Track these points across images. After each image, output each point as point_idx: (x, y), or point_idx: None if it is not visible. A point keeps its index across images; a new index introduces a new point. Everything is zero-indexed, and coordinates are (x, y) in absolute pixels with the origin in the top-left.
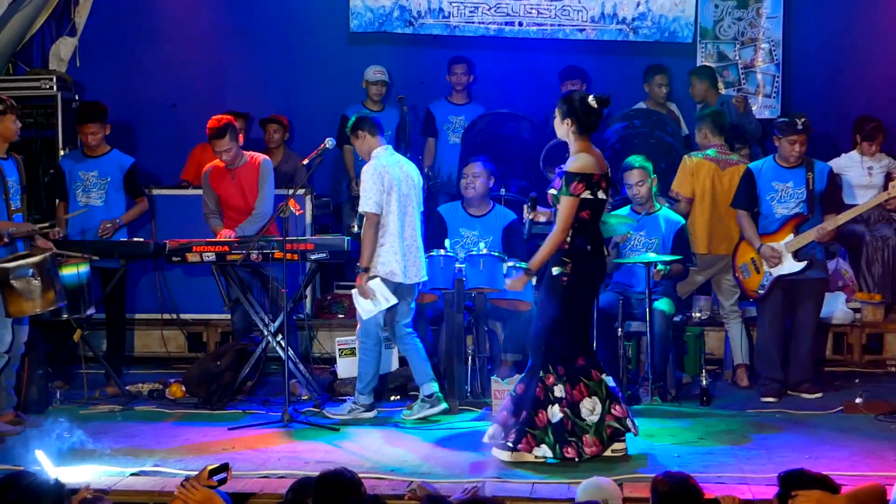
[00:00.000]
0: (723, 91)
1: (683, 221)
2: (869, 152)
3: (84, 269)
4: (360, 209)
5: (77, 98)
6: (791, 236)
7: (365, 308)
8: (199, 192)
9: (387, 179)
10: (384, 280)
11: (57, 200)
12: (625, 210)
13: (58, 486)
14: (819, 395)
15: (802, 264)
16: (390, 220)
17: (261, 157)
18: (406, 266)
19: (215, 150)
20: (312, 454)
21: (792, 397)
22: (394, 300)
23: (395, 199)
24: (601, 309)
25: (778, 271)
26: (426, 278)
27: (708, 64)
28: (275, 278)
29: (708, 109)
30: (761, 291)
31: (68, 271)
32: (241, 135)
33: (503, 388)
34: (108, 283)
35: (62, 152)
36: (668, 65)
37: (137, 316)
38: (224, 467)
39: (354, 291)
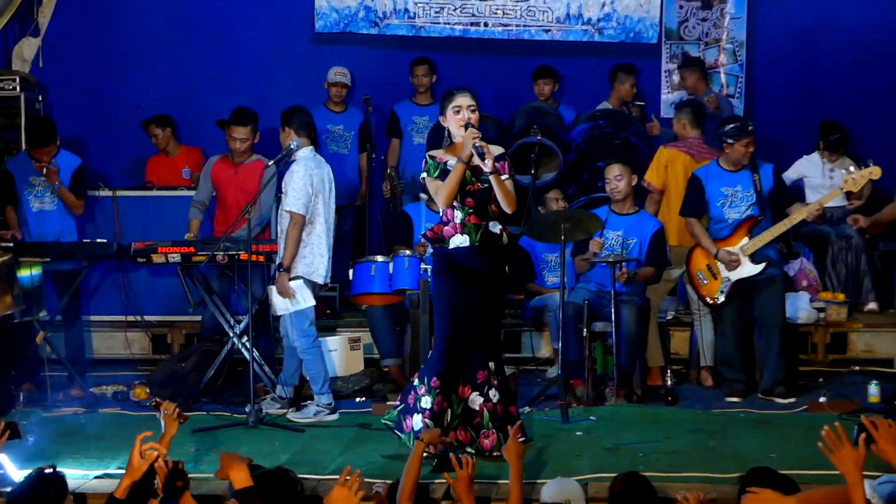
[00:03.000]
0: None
1: (661, 224)
2: (830, 160)
3: (37, 271)
4: (287, 208)
5: (40, 99)
6: (745, 239)
7: (280, 306)
8: (163, 192)
9: (315, 181)
10: (306, 280)
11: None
12: (603, 210)
13: (56, 477)
14: (792, 399)
15: (761, 266)
16: (318, 222)
17: (266, 160)
18: (328, 267)
19: (232, 134)
20: (279, 456)
21: (757, 396)
22: (312, 301)
23: (322, 202)
24: (568, 309)
25: (737, 275)
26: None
27: (698, 56)
28: (239, 280)
29: (688, 101)
30: (721, 297)
31: (22, 273)
32: (164, 136)
33: None
34: (65, 284)
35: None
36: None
37: (101, 318)
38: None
39: (272, 288)
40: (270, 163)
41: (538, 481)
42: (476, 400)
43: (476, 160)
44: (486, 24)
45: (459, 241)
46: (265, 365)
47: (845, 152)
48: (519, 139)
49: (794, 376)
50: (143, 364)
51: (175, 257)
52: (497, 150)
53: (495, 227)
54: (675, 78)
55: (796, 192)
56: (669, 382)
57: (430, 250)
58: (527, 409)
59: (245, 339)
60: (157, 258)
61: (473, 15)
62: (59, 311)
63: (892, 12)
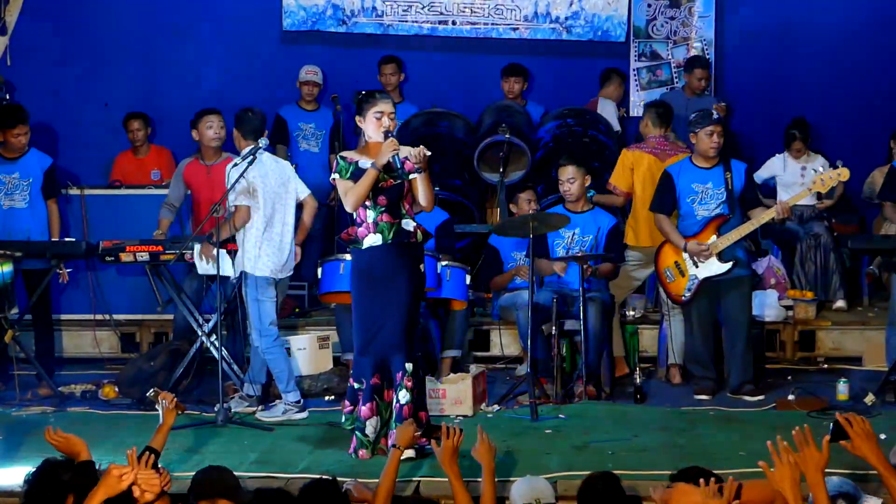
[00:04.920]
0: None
1: (616, 220)
2: (795, 156)
3: (7, 268)
4: (231, 203)
5: (7, 97)
6: (713, 237)
7: (201, 267)
8: (132, 191)
9: (250, 177)
10: (249, 273)
11: None
12: (557, 209)
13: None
14: (761, 397)
15: (728, 265)
16: (255, 217)
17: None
18: (269, 260)
19: (209, 122)
20: (247, 455)
21: (725, 394)
22: (230, 271)
23: (260, 196)
24: (536, 307)
25: (704, 273)
26: (289, 273)
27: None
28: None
29: (654, 100)
30: (687, 294)
31: None
32: (144, 133)
33: (438, 388)
34: (33, 283)
35: None
36: (601, 64)
37: (70, 316)
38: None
39: (197, 249)
40: (237, 162)
41: (507, 479)
42: (394, 399)
43: (408, 164)
44: (454, 23)
45: (373, 240)
46: (234, 364)
47: (818, 151)
48: (487, 137)
49: (763, 374)
50: (112, 363)
51: (143, 256)
52: (408, 149)
53: (409, 225)
54: (645, 76)
55: (767, 191)
56: (638, 380)
57: None
58: (496, 406)
59: (214, 337)
60: (126, 257)
61: (441, 13)
62: (27, 309)
63: (859, 10)
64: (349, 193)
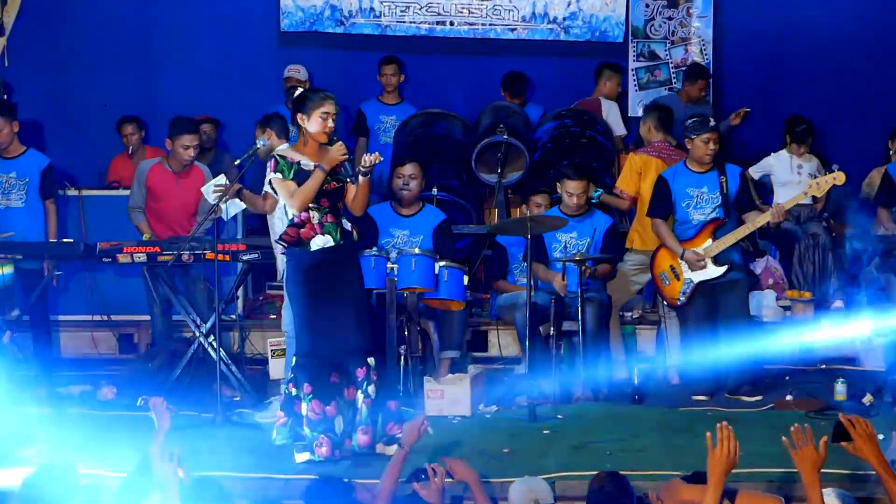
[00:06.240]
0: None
1: (613, 220)
2: (797, 153)
3: (8, 270)
4: (265, 189)
5: (6, 98)
6: (709, 241)
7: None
8: (129, 193)
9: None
10: None
11: None
12: (554, 211)
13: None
14: (759, 397)
15: (723, 269)
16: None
17: (203, 167)
18: None
19: (185, 143)
20: (245, 455)
21: (723, 394)
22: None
23: None
24: (534, 308)
25: (699, 277)
26: None
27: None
28: (206, 279)
29: (655, 103)
30: (682, 299)
31: None
32: (139, 137)
33: (436, 388)
34: (31, 284)
35: None
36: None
37: (68, 317)
38: None
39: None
40: (236, 162)
41: (506, 480)
42: (359, 398)
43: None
44: (451, 24)
45: (322, 241)
46: (231, 364)
47: (812, 151)
48: (485, 138)
49: (760, 374)
50: (110, 364)
51: (141, 257)
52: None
53: (347, 225)
54: (643, 76)
55: (762, 189)
56: (636, 381)
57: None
58: (494, 407)
59: (211, 338)
60: (123, 258)
61: (439, 14)
62: (25, 310)
63: (858, 10)
64: (296, 195)
